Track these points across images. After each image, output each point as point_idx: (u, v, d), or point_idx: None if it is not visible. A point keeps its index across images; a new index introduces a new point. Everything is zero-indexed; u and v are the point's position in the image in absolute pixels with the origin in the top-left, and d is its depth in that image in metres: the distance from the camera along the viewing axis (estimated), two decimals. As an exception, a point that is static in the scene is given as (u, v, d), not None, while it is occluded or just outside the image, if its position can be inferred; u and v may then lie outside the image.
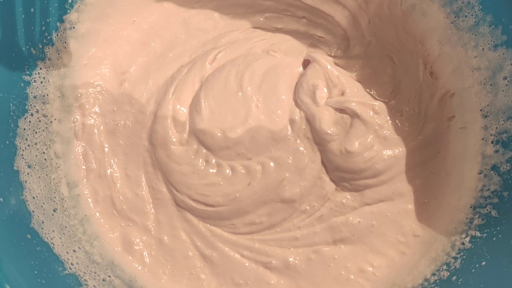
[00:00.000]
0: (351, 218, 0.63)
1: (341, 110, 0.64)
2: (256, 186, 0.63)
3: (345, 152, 0.62)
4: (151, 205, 0.65)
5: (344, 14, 0.68)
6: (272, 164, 0.63)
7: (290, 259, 0.62)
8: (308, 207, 0.63)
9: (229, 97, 0.66)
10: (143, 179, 0.65)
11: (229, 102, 0.66)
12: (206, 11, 0.69)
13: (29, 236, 0.56)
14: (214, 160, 0.64)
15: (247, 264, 0.62)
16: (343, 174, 0.63)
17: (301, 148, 0.64)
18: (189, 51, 0.68)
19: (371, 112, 0.63)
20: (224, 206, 0.63)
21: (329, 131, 0.63)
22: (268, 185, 0.63)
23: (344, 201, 0.63)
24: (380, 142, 0.63)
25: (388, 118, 0.64)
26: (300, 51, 0.69)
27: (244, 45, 0.68)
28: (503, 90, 0.58)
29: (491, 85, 0.59)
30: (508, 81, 0.57)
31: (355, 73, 0.66)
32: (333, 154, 0.63)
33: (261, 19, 0.70)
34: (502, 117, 0.58)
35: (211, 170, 0.64)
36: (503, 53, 0.58)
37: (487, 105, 0.60)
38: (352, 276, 0.61)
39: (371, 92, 0.65)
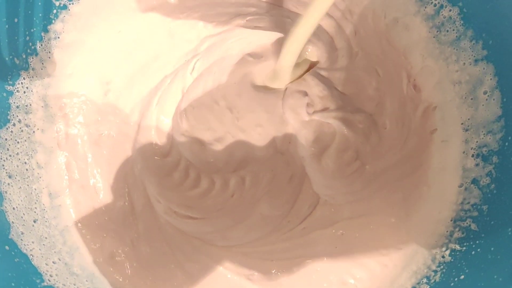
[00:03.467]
0: (333, 231, 0.62)
1: (325, 124, 0.64)
2: (239, 199, 0.63)
3: (329, 166, 0.62)
4: (134, 216, 0.64)
5: (331, 23, 0.67)
6: (255, 178, 0.63)
7: (273, 271, 0.62)
8: (290, 220, 0.63)
9: (207, 110, 0.65)
10: (126, 190, 0.65)
11: (208, 115, 0.65)
12: (191, 21, 0.69)
13: (7, 247, 0.55)
14: (197, 173, 0.64)
15: (229, 276, 0.62)
16: (327, 188, 0.63)
17: (284, 162, 0.63)
18: (172, 61, 0.68)
19: (355, 126, 0.63)
20: (206, 219, 0.63)
21: (312, 145, 0.63)
22: (251, 198, 0.63)
23: (327, 213, 0.63)
24: (363, 156, 0.63)
25: (372, 131, 0.63)
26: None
27: (219, 48, 0.67)
28: (483, 105, 0.58)
29: (471, 99, 0.60)
30: (488, 95, 0.58)
31: (340, 86, 0.65)
32: (316, 168, 0.63)
33: (243, 22, 0.68)
34: (482, 131, 0.59)
35: (194, 182, 0.64)
36: (484, 68, 0.58)
37: (468, 119, 0.60)
38: (334, 289, 0.61)
39: (356, 106, 0.64)
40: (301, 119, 0.63)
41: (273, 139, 0.64)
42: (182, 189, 0.64)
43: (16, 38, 0.60)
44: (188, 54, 0.68)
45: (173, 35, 0.69)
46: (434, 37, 0.63)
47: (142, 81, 0.67)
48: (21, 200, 0.60)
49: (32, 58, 0.62)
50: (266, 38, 0.67)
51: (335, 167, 0.62)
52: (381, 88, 0.65)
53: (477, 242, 0.55)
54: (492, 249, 0.52)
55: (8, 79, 0.60)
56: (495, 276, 0.50)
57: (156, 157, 0.65)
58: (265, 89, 0.66)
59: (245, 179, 0.63)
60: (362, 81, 0.65)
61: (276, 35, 0.67)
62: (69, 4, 0.64)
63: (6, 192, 0.58)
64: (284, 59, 0.60)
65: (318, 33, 0.67)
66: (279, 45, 0.66)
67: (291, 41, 0.57)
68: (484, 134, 0.58)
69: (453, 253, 0.57)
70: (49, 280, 0.57)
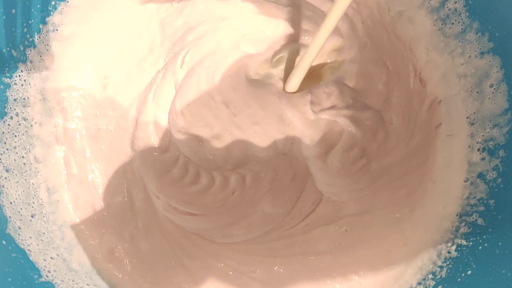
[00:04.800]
0: (337, 227, 0.61)
1: (333, 122, 0.62)
2: (240, 196, 0.61)
3: (334, 165, 0.61)
4: (133, 212, 0.63)
5: None
6: (255, 176, 0.61)
7: (275, 268, 0.61)
8: (293, 217, 0.61)
9: (203, 105, 0.63)
10: (125, 185, 0.64)
11: (204, 111, 0.63)
12: (181, 6, 0.66)
13: (4, 242, 0.54)
14: (196, 169, 0.62)
15: (230, 273, 0.61)
16: (331, 186, 0.61)
17: (286, 162, 0.62)
18: (163, 55, 0.66)
19: (362, 123, 0.61)
20: (206, 215, 0.61)
21: (318, 145, 0.61)
22: (252, 196, 0.61)
23: (330, 210, 0.62)
24: (369, 153, 0.61)
25: (379, 128, 0.62)
26: (279, 45, 0.65)
27: (211, 39, 0.65)
28: (489, 98, 0.58)
29: (477, 92, 0.59)
30: (494, 88, 0.57)
31: (351, 80, 0.63)
32: (321, 167, 0.61)
33: (237, 3, 0.65)
34: (488, 125, 0.58)
35: (193, 179, 0.62)
36: (490, 61, 0.57)
37: (474, 113, 0.60)
38: (337, 285, 0.60)
39: (364, 102, 0.62)
40: (306, 118, 0.61)
41: (273, 140, 0.62)
42: (182, 185, 0.62)
43: (13, 29, 0.59)
44: (176, 45, 0.66)
45: (164, 26, 0.66)
46: (439, 30, 0.62)
47: (139, 76, 0.66)
48: (19, 195, 0.58)
49: (30, 50, 0.61)
50: (260, 30, 0.65)
51: (341, 166, 0.61)
52: (390, 82, 0.63)
53: (484, 237, 0.54)
54: (500, 243, 0.52)
55: (6, 72, 0.59)
56: (504, 271, 0.49)
57: (155, 153, 0.64)
58: (258, 83, 0.64)
59: (245, 177, 0.62)
60: (372, 75, 0.63)
61: (273, 25, 0.65)
62: (68, -5, 0.64)
63: (3, 186, 0.57)
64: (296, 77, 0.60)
65: (319, 19, 0.64)
66: (275, 37, 0.65)
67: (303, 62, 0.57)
68: (490, 127, 0.58)
69: (459, 248, 0.56)
70: (47, 276, 0.56)
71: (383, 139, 0.62)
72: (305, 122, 0.61)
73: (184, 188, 0.62)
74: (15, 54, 0.60)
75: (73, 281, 0.58)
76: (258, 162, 0.62)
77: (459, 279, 0.53)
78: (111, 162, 0.65)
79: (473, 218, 0.57)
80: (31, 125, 0.62)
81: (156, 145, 0.64)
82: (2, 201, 0.57)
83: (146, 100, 0.65)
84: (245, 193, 0.61)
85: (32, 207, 0.60)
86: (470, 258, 0.54)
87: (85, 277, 0.59)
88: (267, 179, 0.61)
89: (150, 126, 0.64)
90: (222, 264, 0.61)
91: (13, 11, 0.58)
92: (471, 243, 0.55)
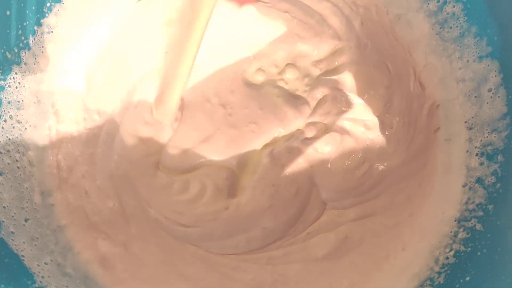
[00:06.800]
0: (337, 234, 0.61)
1: (329, 126, 0.61)
2: (236, 212, 0.59)
3: (339, 171, 0.60)
4: (125, 218, 0.62)
5: (335, 12, 0.64)
6: (252, 193, 0.59)
7: (273, 276, 0.60)
8: (296, 229, 0.60)
9: (195, 109, 0.62)
10: (115, 191, 0.62)
11: (196, 115, 0.62)
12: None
13: (-3, 247, 0.54)
14: (186, 177, 0.60)
15: (226, 280, 0.60)
16: (334, 193, 0.60)
17: (287, 178, 0.60)
18: (144, 56, 0.63)
19: (363, 128, 0.60)
20: (198, 227, 0.59)
21: (320, 149, 0.60)
22: (251, 213, 0.59)
23: (332, 217, 0.61)
24: (370, 158, 0.60)
25: (379, 133, 0.61)
26: (276, 50, 0.64)
27: (207, 44, 0.62)
28: (487, 102, 0.57)
29: (475, 97, 0.59)
30: (492, 93, 0.57)
31: (348, 84, 0.62)
32: (326, 175, 0.60)
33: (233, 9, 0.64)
34: (486, 129, 0.58)
35: (184, 187, 0.60)
36: (488, 65, 0.57)
37: (472, 117, 0.59)
38: (336, 292, 0.60)
39: (364, 106, 0.61)
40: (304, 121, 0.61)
41: (270, 138, 0.61)
42: (172, 193, 0.60)
43: (8, 31, 0.58)
44: (165, 48, 0.64)
45: (150, 21, 0.64)
46: (437, 34, 0.62)
47: (117, 83, 0.64)
48: (12, 199, 0.58)
49: (25, 52, 0.61)
50: (257, 35, 0.64)
51: (345, 171, 0.59)
52: (391, 85, 0.62)
53: (483, 242, 0.54)
54: (498, 249, 0.51)
55: (0, 74, 0.58)
56: (503, 277, 0.49)
57: (141, 159, 0.61)
58: (256, 86, 0.63)
59: (239, 194, 0.60)
60: (374, 78, 0.62)
61: (270, 31, 0.64)
62: (63, -3, 0.63)
63: (-4, 190, 0.57)
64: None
65: (317, 25, 0.64)
66: (272, 42, 0.64)
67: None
68: (488, 132, 0.57)
69: (457, 254, 0.56)
70: (41, 282, 0.55)
71: (384, 144, 0.61)
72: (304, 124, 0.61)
73: (174, 196, 0.60)
74: (9, 56, 0.59)
75: (67, 286, 0.57)
76: (252, 172, 0.60)
77: (457, 285, 0.53)
78: (101, 167, 0.63)
79: (472, 223, 0.56)
80: (25, 128, 0.61)
81: (143, 152, 0.62)
82: (-5, 206, 0.56)
83: (128, 107, 0.63)
84: (242, 210, 0.59)
85: (26, 211, 0.59)
86: (469, 264, 0.54)
87: (79, 282, 0.59)
88: (267, 196, 0.59)
89: (135, 134, 0.62)
90: (218, 271, 0.60)
91: (8, 12, 0.58)
92: (469, 248, 0.55)
